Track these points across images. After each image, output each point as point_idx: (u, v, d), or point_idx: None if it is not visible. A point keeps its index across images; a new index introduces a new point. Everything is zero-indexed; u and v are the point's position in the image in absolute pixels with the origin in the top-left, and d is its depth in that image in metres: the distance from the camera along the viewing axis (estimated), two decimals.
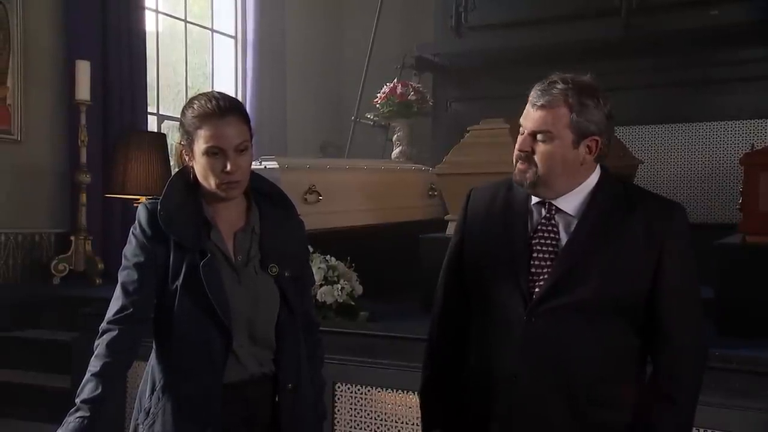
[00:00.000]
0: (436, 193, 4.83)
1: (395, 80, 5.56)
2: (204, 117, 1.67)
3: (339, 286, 3.38)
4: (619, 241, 1.54)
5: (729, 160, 4.36)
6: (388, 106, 5.44)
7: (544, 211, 1.59)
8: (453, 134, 4.96)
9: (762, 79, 4.03)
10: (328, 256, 3.50)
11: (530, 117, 1.55)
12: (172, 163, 4.57)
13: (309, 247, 3.48)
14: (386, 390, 2.97)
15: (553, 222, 1.58)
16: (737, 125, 4.41)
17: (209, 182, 1.69)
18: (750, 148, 3.58)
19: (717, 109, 3.77)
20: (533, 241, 1.58)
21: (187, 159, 1.73)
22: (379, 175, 4.71)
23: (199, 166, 1.69)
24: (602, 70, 3.63)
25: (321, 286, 3.37)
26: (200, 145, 1.67)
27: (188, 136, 1.70)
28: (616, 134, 3.91)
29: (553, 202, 1.58)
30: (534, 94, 1.55)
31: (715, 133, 4.42)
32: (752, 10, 4.37)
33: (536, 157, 1.54)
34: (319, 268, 3.41)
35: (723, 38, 3.67)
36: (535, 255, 1.57)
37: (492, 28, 5.33)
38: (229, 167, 1.65)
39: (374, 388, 2.99)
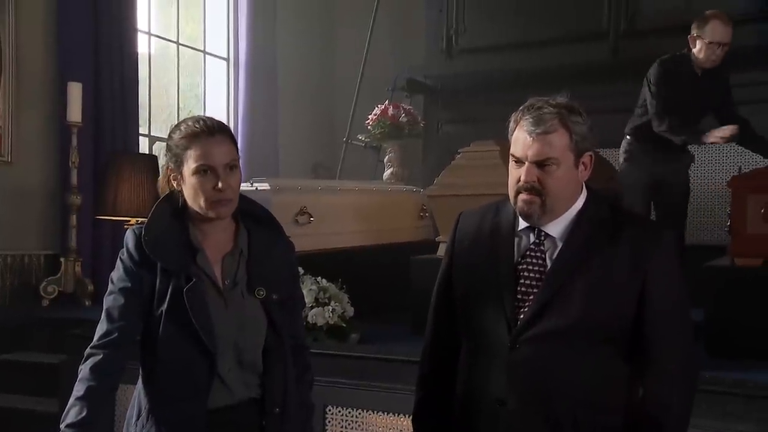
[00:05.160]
0: (427, 214, 4.84)
1: (387, 102, 5.59)
2: (193, 137, 1.68)
3: (330, 307, 3.38)
4: (604, 266, 1.52)
5: (718, 182, 4.40)
6: (379, 127, 5.46)
7: (533, 237, 1.57)
8: (444, 156, 4.98)
9: (750, 103, 4.08)
10: (319, 277, 3.50)
11: (530, 146, 1.50)
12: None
13: (300, 268, 3.49)
14: (377, 413, 2.95)
15: (542, 248, 1.56)
16: (725, 148, 4.46)
17: (199, 202, 1.69)
18: (737, 170, 3.61)
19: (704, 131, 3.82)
20: (520, 267, 1.56)
21: (175, 184, 1.73)
22: (370, 197, 4.72)
23: (189, 187, 1.69)
24: (591, 93, 3.69)
25: (312, 307, 3.37)
26: (190, 165, 1.68)
27: (176, 159, 1.71)
28: (605, 156, 3.98)
29: (542, 227, 1.56)
30: (528, 123, 1.51)
31: (703, 155, 4.47)
32: (741, 36, 4.45)
33: (547, 186, 1.50)
34: (310, 289, 3.41)
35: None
36: (521, 281, 1.55)
37: (482, 51, 5.39)
38: (220, 185, 1.66)
39: (365, 410, 2.97)
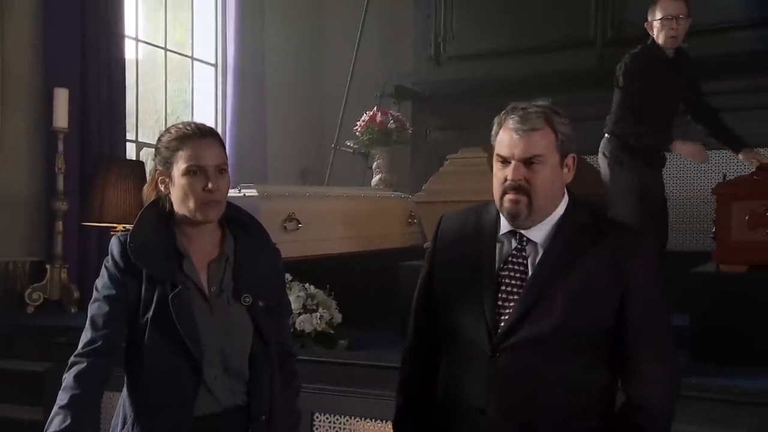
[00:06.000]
0: (415, 220, 4.85)
1: (375, 108, 5.60)
2: (184, 138, 1.69)
3: (318, 314, 3.37)
4: (585, 272, 1.51)
5: (703, 189, 4.43)
6: (368, 134, 5.47)
7: (514, 242, 1.56)
8: (432, 162, 5.01)
9: (735, 110, 4.12)
10: (307, 284, 3.50)
11: (517, 144, 1.50)
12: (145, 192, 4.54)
13: (288, 275, 3.49)
14: (365, 420, 2.95)
15: (523, 254, 1.55)
16: (710, 155, 4.50)
17: (188, 204, 1.68)
18: (722, 178, 3.64)
19: (690, 138, 3.86)
20: (502, 273, 1.55)
21: (162, 187, 1.73)
22: (358, 203, 4.72)
23: (178, 188, 1.69)
24: (577, 99, 3.74)
25: (300, 314, 3.36)
26: (180, 167, 1.68)
27: (166, 161, 1.71)
28: (592, 163, 4.00)
29: (524, 232, 1.55)
30: (514, 122, 1.51)
31: (688, 161, 4.50)
32: (722, 44, 4.50)
33: (535, 185, 1.50)
34: (297, 296, 3.40)
35: (696, 70, 3.75)
36: (502, 287, 1.54)
37: (470, 58, 5.41)
38: (210, 185, 1.66)
39: (353, 417, 2.97)
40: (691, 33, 3.64)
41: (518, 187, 1.51)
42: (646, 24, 3.52)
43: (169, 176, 1.71)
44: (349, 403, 2.97)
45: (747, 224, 3.20)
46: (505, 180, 1.52)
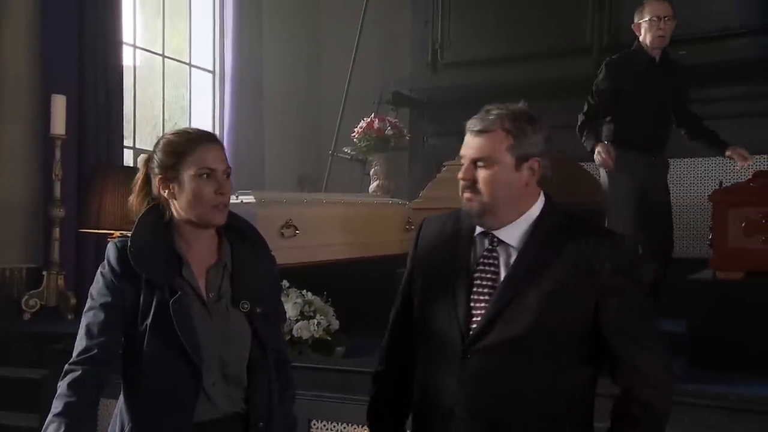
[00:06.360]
0: (412, 227, 4.85)
1: (372, 115, 5.61)
2: (193, 141, 1.70)
3: (315, 321, 3.37)
4: (559, 274, 1.50)
5: (699, 196, 4.45)
6: (365, 140, 5.48)
7: (487, 243, 1.58)
8: (429, 168, 5.02)
9: (731, 117, 4.14)
10: (305, 290, 3.50)
11: (469, 145, 1.55)
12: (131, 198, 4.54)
13: (285, 281, 3.49)
14: (362, 427, 2.94)
15: (494, 254, 1.56)
16: (706, 162, 4.52)
17: (199, 208, 1.69)
18: (718, 184, 3.65)
19: (686, 145, 3.87)
20: (475, 275, 1.56)
21: (165, 192, 1.72)
22: (356, 209, 4.72)
23: (188, 192, 1.69)
24: (574, 106, 3.74)
25: (297, 321, 3.36)
26: (191, 170, 1.68)
27: (173, 165, 1.70)
28: (589, 171, 4.01)
29: (495, 233, 1.56)
30: (470, 123, 1.57)
31: (685, 169, 4.52)
32: (721, 52, 4.52)
33: (481, 185, 1.53)
34: (295, 302, 3.40)
35: (692, 77, 3.77)
36: (475, 289, 1.55)
37: (467, 64, 5.43)
38: (222, 188, 1.68)
39: (350, 425, 2.97)
40: (689, 40, 3.67)
41: (469, 187, 1.55)
42: (633, 25, 3.59)
43: (176, 181, 1.70)
44: (346, 410, 2.96)
45: (743, 231, 3.22)
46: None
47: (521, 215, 1.56)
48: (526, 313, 1.49)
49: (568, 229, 1.56)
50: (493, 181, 1.53)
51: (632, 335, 1.53)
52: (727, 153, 3.56)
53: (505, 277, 1.54)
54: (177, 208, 1.71)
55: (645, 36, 3.51)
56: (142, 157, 1.84)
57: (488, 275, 1.55)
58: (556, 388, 1.51)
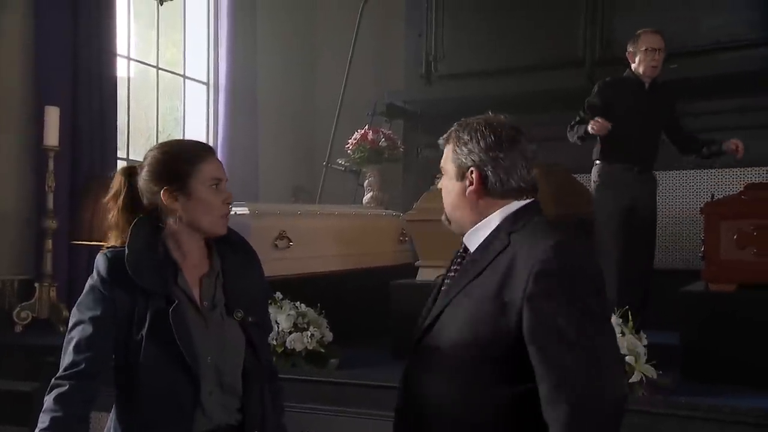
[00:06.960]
0: (406, 238, 4.85)
1: (366, 126, 5.62)
2: (203, 151, 1.76)
3: (309, 332, 3.36)
4: (493, 283, 1.45)
5: (691, 208, 4.47)
6: (359, 152, 5.49)
7: (461, 249, 1.64)
8: (423, 180, 5.03)
9: (722, 130, 4.17)
10: (298, 302, 3.49)
11: None
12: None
13: (279, 293, 3.48)
14: None
15: (458, 260, 1.62)
16: (698, 174, 4.55)
17: (209, 218, 1.71)
18: (710, 197, 3.67)
19: (678, 158, 3.90)
20: (446, 281, 1.62)
21: (168, 201, 1.70)
22: (350, 221, 4.72)
23: (199, 201, 1.70)
24: (567, 118, 3.77)
25: (290, 332, 3.35)
26: (204, 179, 1.71)
27: (184, 174, 1.70)
28: (582, 182, 4.03)
29: (463, 238, 1.61)
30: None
31: (676, 181, 4.55)
32: (712, 65, 4.56)
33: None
34: (288, 314, 3.39)
35: (683, 90, 3.82)
36: (442, 289, 1.62)
37: (461, 77, 5.46)
38: (229, 198, 1.75)
39: None
40: (681, 54, 3.74)
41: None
42: (627, 53, 3.79)
43: (183, 191, 1.69)
44: (339, 423, 2.95)
45: (735, 243, 3.23)
46: None
47: (478, 222, 1.56)
48: (457, 320, 1.50)
49: (515, 236, 1.49)
50: (445, 192, 1.62)
51: (537, 354, 1.38)
52: (724, 147, 3.73)
53: (448, 283, 1.60)
54: (182, 217, 1.70)
55: (639, 65, 3.73)
56: (121, 171, 1.79)
57: (448, 280, 1.62)
58: (480, 401, 1.44)
